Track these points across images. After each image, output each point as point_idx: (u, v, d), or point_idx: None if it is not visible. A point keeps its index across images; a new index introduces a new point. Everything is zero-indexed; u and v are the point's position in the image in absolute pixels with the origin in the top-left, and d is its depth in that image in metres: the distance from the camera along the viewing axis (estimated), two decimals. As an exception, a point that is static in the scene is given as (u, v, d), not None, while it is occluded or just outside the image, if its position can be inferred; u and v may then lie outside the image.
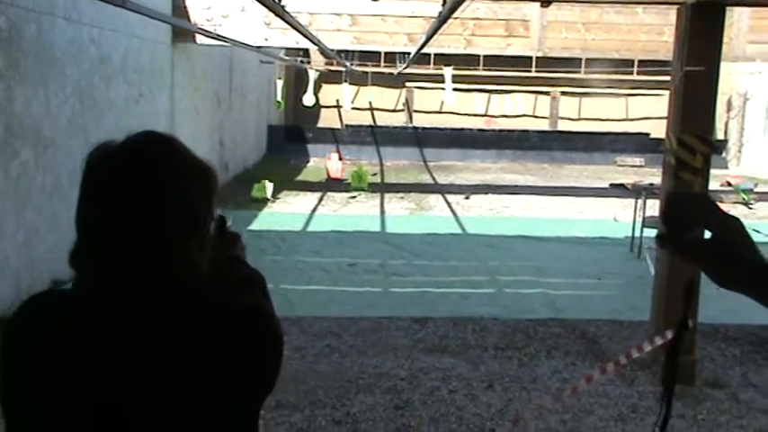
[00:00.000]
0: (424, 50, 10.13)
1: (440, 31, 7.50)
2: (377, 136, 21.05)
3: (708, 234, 0.89)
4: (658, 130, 17.84)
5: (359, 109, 22.35)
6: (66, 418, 1.13)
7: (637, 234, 9.11)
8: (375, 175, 16.87)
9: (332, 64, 18.96)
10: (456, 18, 7.20)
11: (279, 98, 19.46)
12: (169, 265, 1.17)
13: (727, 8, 5.02)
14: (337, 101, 22.27)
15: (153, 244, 1.16)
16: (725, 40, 5.07)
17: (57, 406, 1.13)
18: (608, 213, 12.23)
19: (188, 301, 1.17)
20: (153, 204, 1.17)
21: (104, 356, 1.13)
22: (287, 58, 17.56)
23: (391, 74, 19.40)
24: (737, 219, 0.88)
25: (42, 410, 1.14)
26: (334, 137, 20.87)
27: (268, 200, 13.03)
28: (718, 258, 0.87)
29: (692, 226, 0.89)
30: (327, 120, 23.36)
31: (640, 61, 17.83)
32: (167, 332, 1.14)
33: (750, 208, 13.26)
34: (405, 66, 15.18)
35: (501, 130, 21.72)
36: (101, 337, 1.13)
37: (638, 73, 19.24)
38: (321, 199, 13.41)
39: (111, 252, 1.15)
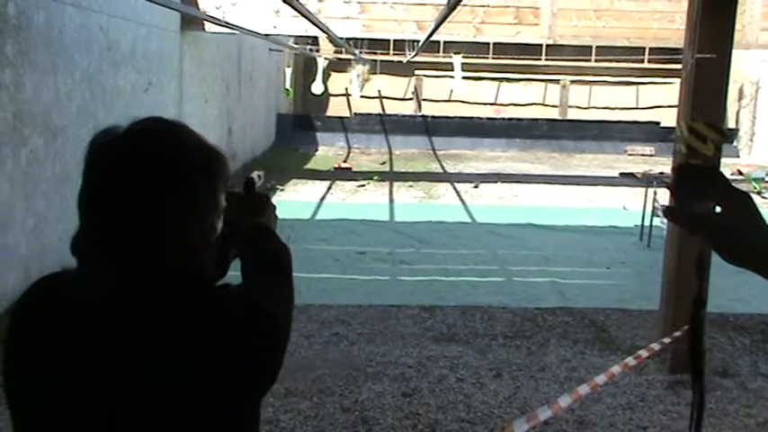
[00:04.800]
0: (434, 38, 10.09)
1: (449, 19, 7.47)
2: (386, 124, 21.02)
3: (717, 208, 0.88)
4: (669, 118, 17.72)
5: (368, 97, 22.31)
6: (67, 413, 1.12)
7: (646, 223, 9.08)
8: (384, 163, 16.85)
9: (341, 52, 18.94)
10: (465, 5, 7.17)
11: (288, 86, 19.45)
12: (170, 254, 1.14)
13: (740, -5, 4.98)
14: (346, 89, 22.23)
15: (155, 232, 1.14)
16: (737, 27, 5.01)
17: (58, 400, 1.12)
18: (618, 202, 12.18)
19: (186, 292, 1.14)
20: (156, 191, 1.14)
21: (100, 349, 1.11)
22: (296, 46, 17.54)
23: (400, 62, 19.36)
24: (748, 194, 0.87)
25: (44, 405, 1.13)
26: (342, 125, 20.85)
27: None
28: (726, 234, 0.86)
29: (701, 199, 0.88)
30: (336, 108, 23.33)
31: (651, 49, 17.73)
32: (162, 324, 1.11)
33: (762, 197, 13.18)
34: (414, 54, 15.13)
35: (510, 119, 21.65)
36: (98, 331, 1.11)
37: (649, 61, 19.14)
38: (330, 187, 13.41)
39: (111, 240, 1.13)
